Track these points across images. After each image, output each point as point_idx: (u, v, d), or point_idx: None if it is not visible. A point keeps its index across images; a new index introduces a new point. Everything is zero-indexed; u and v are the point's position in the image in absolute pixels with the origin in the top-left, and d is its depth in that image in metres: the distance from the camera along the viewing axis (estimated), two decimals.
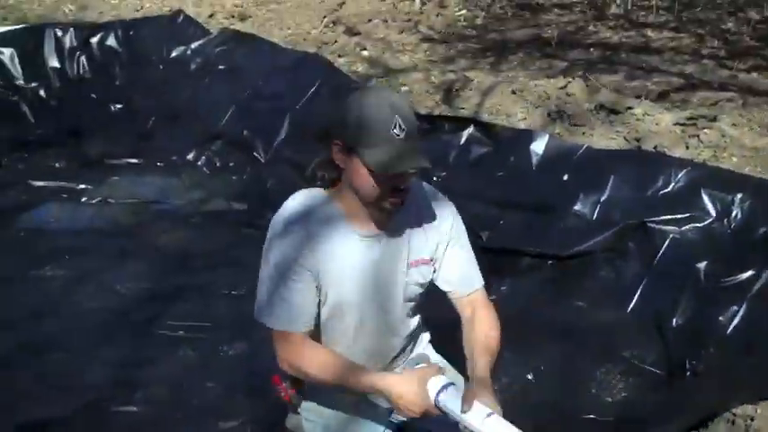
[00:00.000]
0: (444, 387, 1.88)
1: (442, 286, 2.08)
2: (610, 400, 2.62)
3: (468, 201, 3.08)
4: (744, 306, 2.80)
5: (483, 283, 2.09)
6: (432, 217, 2.02)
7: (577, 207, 3.42)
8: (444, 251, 2.04)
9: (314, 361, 1.93)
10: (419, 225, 2.00)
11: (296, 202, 1.95)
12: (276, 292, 1.92)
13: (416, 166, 1.81)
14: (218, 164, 4.83)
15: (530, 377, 2.76)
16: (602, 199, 3.39)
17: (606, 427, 2.45)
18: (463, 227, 2.07)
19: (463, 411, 1.82)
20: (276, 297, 1.92)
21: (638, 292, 3.05)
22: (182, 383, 2.83)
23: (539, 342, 2.87)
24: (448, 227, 2.03)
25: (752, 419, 2.27)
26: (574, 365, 2.79)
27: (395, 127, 1.76)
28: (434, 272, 2.05)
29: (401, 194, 1.87)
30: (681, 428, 2.32)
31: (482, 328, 2.01)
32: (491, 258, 2.99)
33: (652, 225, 3.18)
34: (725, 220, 3.12)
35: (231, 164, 4.79)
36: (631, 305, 3.03)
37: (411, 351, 2.21)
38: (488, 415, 1.80)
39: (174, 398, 2.75)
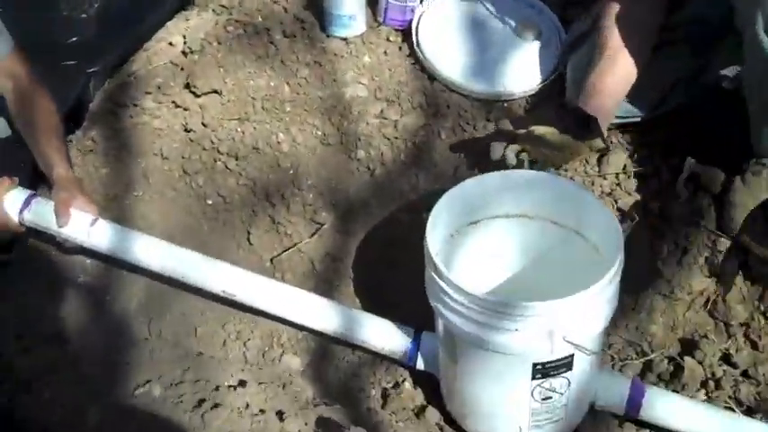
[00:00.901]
0: (27, 201, 1.68)
1: None
2: (85, 16, 2.26)
3: None
4: None
5: (11, 49, 1.80)
6: None
7: None
8: None
9: None
10: None
11: None
12: None
13: None
14: None
15: None
16: None
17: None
18: None
19: (61, 226, 1.64)
20: None
21: None
22: None
23: None
24: None
25: None
26: None
27: None
28: None
29: None
30: None
31: (40, 107, 1.78)
32: None
33: None
34: None
35: None
36: None
37: None
38: (93, 223, 1.66)
39: None
